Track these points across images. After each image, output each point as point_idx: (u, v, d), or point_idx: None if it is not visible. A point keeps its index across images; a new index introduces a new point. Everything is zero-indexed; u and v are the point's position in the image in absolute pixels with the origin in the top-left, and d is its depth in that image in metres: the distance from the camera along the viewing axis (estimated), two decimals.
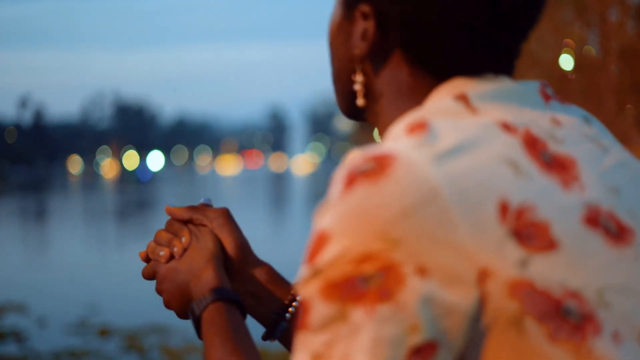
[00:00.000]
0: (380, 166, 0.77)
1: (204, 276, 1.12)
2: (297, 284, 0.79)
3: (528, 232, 0.77)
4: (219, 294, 1.11)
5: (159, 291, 1.17)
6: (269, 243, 28.75)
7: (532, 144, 0.83)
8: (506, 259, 0.76)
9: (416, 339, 0.74)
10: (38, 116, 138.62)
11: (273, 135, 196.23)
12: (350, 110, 1.00)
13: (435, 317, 0.75)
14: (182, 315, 1.16)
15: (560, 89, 18.50)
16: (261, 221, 37.37)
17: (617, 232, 0.81)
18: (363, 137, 76.23)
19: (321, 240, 0.78)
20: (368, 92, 0.94)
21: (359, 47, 0.92)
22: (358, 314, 0.74)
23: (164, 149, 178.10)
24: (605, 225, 0.81)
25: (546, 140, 0.84)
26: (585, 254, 0.78)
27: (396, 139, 0.82)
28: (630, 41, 17.05)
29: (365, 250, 0.75)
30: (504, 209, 0.77)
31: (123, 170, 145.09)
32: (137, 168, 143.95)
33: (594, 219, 0.80)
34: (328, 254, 0.77)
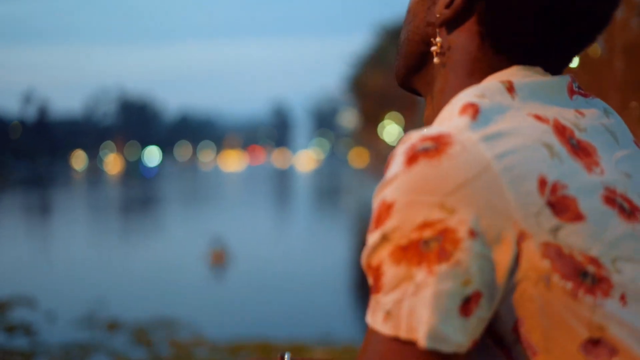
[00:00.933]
0: (438, 145, 0.89)
1: None
2: (366, 250, 0.90)
3: (561, 204, 0.89)
4: None
5: None
6: (273, 237, 28.82)
7: (562, 131, 0.95)
8: (542, 226, 0.88)
9: (467, 291, 0.87)
10: (42, 112, 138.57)
11: (277, 131, 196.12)
12: (407, 74, 1.12)
13: (483, 271, 0.87)
14: None
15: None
16: (265, 216, 37.41)
17: (630, 211, 0.94)
18: (366, 134, 76.14)
19: (387, 210, 0.89)
20: (441, 52, 1.05)
21: (443, 13, 1.03)
22: (421, 273, 0.86)
23: (168, 145, 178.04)
24: (620, 205, 0.93)
25: (572, 128, 0.97)
26: (605, 227, 0.90)
27: (451, 119, 0.93)
28: (635, 38, 17.08)
29: (426, 218, 0.87)
30: (542, 183, 0.89)
31: (127, 166, 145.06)
32: (140, 164, 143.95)
33: (611, 198, 0.93)
34: (393, 221, 0.88)
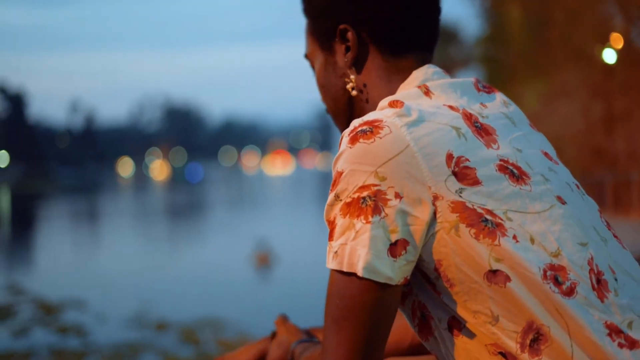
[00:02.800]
0: (373, 128, 1.21)
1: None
2: (326, 208, 1.22)
3: (463, 173, 1.20)
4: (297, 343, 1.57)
5: None
6: (317, 238, 29.12)
7: (469, 117, 1.27)
8: (449, 189, 1.19)
9: (394, 237, 1.17)
10: (88, 120, 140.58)
11: (321, 134, 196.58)
12: (348, 122, 1.42)
13: (406, 224, 1.18)
14: None
15: (603, 81, 18.54)
16: (309, 218, 37.74)
17: (518, 175, 1.24)
18: None
19: (338, 176, 1.21)
20: (357, 88, 1.41)
21: (346, 58, 1.39)
22: (360, 223, 1.18)
23: (212, 150, 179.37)
24: (511, 171, 1.24)
25: (477, 115, 1.28)
26: (497, 188, 1.21)
27: (384, 109, 1.25)
28: None
29: (364, 183, 1.19)
30: (449, 158, 1.20)
31: (172, 171, 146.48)
32: (186, 169, 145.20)
33: (504, 166, 1.24)
34: (342, 185, 1.20)
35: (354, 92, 1.40)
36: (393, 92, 1.36)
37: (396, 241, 1.17)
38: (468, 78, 1.36)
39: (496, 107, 1.34)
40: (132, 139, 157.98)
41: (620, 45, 16.81)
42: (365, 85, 1.40)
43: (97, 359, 11.33)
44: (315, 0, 1.44)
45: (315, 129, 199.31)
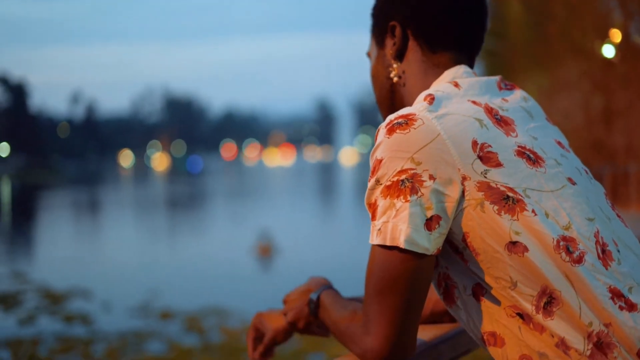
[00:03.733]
0: (407, 120, 1.41)
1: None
2: (367, 192, 1.41)
3: (486, 157, 1.39)
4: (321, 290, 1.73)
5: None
6: (318, 229, 29.27)
7: (489, 110, 1.47)
8: (476, 170, 1.38)
9: (430, 213, 1.36)
10: (89, 111, 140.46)
11: (321, 127, 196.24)
12: (390, 108, 1.66)
13: (439, 201, 1.37)
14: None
15: (603, 76, 18.68)
16: (309, 209, 37.86)
17: (534, 159, 1.44)
18: None
19: (378, 163, 1.40)
20: (398, 74, 1.63)
21: (392, 51, 1.63)
22: (399, 202, 1.37)
23: (213, 141, 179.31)
24: (528, 156, 1.43)
25: (497, 109, 1.49)
26: (516, 169, 1.40)
27: (416, 104, 1.45)
28: None
29: (402, 167, 1.37)
30: (474, 144, 1.40)
31: (173, 162, 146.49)
32: (187, 160, 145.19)
33: (521, 152, 1.43)
34: (382, 170, 1.39)
35: (395, 79, 1.63)
36: (428, 84, 1.59)
37: (431, 217, 1.35)
38: (493, 77, 1.58)
39: (516, 101, 1.54)
40: (133, 131, 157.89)
41: (619, 40, 16.95)
42: (404, 72, 1.62)
43: (103, 347, 11.54)
44: (377, 2, 1.69)
45: (315, 122, 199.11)
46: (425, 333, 1.63)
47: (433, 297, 1.84)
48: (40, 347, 11.57)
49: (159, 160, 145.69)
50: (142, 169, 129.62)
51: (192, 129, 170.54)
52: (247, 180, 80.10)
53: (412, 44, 1.61)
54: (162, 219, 37.02)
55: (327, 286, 1.74)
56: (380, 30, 1.66)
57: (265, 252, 21.17)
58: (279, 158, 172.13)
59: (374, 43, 1.69)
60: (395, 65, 1.62)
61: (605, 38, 17.57)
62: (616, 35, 16.68)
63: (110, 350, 11.32)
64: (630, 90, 18.04)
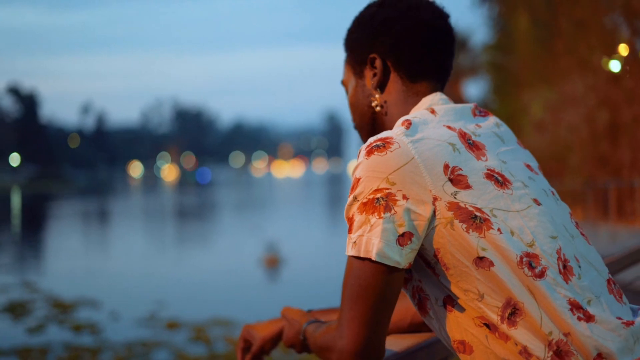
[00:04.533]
0: (385, 144, 1.52)
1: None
2: (346, 207, 1.53)
3: (457, 179, 1.50)
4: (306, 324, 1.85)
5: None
6: (324, 240, 29.37)
7: (463, 136, 1.58)
8: (446, 192, 1.49)
9: (402, 230, 1.47)
10: (99, 122, 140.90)
11: (330, 139, 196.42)
12: (371, 133, 1.78)
13: (411, 219, 1.48)
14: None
15: (609, 91, 18.77)
16: (316, 220, 37.97)
17: (502, 182, 1.54)
18: None
19: (357, 182, 1.52)
20: (380, 104, 1.75)
21: (373, 81, 1.74)
22: (374, 218, 1.47)
23: (222, 152, 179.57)
24: (496, 178, 1.54)
25: (470, 134, 1.60)
26: (485, 191, 1.51)
27: (395, 128, 1.57)
28: None
29: (378, 187, 1.49)
30: (446, 167, 1.50)
31: (182, 173, 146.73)
32: (196, 171, 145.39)
33: (490, 175, 1.54)
34: (360, 189, 1.50)
35: (378, 109, 1.74)
36: (408, 110, 1.70)
37: (403, 233, 1.46)
38: (468, 104, 1.70)
39: (489, 127, 1.67)
40: (142, 141, 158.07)
41: (625, 55, 17.05)
42: (386, 102, 1.74)
43: (110, 356, 11.66)
44: (355, 34, 1.79)
45: (324, 134, 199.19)
46: (404, 341, 1.75)
47: (412, 309, 1.94)
48: (48, 356, 11.69)
49: (168, 171, 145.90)
50: (151, 179, 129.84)
51: (201, 140, 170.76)
52: (255, 192, 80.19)
53: (392, 75, 1.73)
54: (170, 229, 37.10)
55: (310, 321, 1.86)
56: (358, 61, 1.78)
57: (272, 263, 21.29)
58: (287, 169, 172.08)
59: (351, 73, 1.81)
60: (377, 96, 1.74)
61: (611, 53, 17.66)
62: (623, 50, 16.77)
63: (118, 359, 11.42)
64: (636, 106, 18.13)
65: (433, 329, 1.60)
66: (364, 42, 1.76)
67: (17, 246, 29.94)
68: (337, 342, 1.49)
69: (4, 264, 23.41)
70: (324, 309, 2.03)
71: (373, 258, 1.46)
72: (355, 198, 1.51)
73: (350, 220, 1.51)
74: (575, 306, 1.45)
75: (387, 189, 1.48)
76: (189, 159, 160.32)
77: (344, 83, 1.86)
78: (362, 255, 1.47)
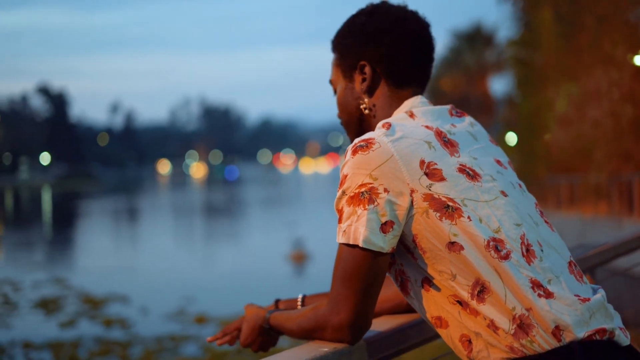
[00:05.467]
0: (367, 144, 1.72)
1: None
2: (335, 200, 1.73)
3: (432, 173, 1.70)
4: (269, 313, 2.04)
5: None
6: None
7: (439, 134, 1.78)
8: (422, 185, 1.69)
9: (384, 219, 1.67)
10: (128, 120, 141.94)
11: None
12: (358, 133, 1.97)
13: (392, 209, 1.68)
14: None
15: (633, 86, 18.77)
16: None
17: (473, 175, 1.74)
18: None
19: (344, 178, 1.72)
20: (368, 107, 1.94)
21: (362, 86, 1.94)
22: (360, 209, 1.68)
23: (249, 149, 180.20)
24: (468, 172, 1.74)
25: (446, 133, 1.80)
26: (457, 184, 1.71)
27: (376, 130, 1.76)
28: None
29: (362, 182, 1.69)
30: (422, 163, 1.70)
31: (210, 169, 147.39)
32: (224, 168, 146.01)
33: (462, 169, 1.74)
34: (347, 184, 1.71)
35: (366, 111, 1.92)
36: (392, 114, 1.89)
37: (385, 222, 1.67)
38: (445, 106, 1.90)
39: (463, 127, 1.86)
40: (171, 139, 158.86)
41: None
42: (374, 106, 1.92)
43: (140, 349, 11.95)
44: (345, 40, 1.95)
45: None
46: (396, 320, 1.95)
47: None
48: (80, 350, 12.00)
49: (197, 168, 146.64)
50: (180, 176, 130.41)
51: (229, 138, 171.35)
52: (282, 188, 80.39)
53: (381, 82, 1.91)
54: (198, 226, 37.35)
55: (271, 310, 2.05)
56: (348, 65, 1.95)
57: (299, 259, 21.54)
58: (314, 166, 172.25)
59: (340, 75, 1.98)
60: (366, 100, 1.92)
61: (635, 48, 17.69)
62: None
63: (147, 353, 11.69)
64: None
65: (414, 307, 1.81)
66: (354, 49, 1.93)
67: (47, 244, 30.36)
68: (331, 318, 1.70)
69: (35, 262, 23.89)
70: (284, 300, 2.25)
71: (360, 245, 1.66)
72: (343, 192, 1.71)
73: (340, 212, 1.71)
74: (536, 284, 1.65)
75: (371, 183, 1.68)
76: (217, 157, 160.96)
77: (332, 82, 2.03)
78: (351, 242, 1.68)
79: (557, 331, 1.63)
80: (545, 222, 1.82)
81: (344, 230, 1.69)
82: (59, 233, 35.25)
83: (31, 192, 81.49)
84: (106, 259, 23.94)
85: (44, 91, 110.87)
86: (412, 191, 1.68)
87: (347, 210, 1.70)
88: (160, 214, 45.50)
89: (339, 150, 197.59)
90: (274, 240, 27.38)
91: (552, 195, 24.21)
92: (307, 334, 1.80)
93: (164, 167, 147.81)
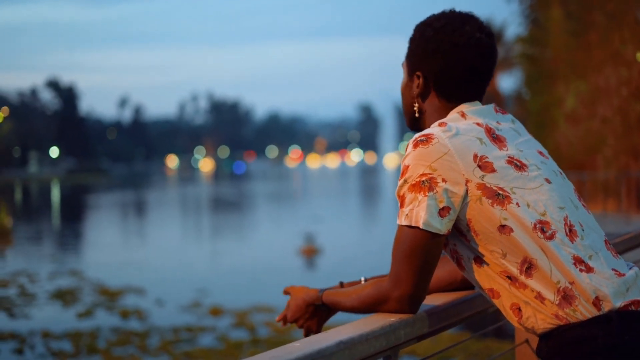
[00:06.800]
0: (427, 139, 1.95)
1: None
2: (398, 188, 1.96)
3: (484, 165, 1.93)
4: (321, 291, 2.30)
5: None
6: (360, 229, 29.71)
7: (489, 131, 2.02)
8: (475, 175, 1.92)
9: (441, 205, 1.91)
10: (137, 114, 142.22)
11: (365, 131, 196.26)
12: (411, 124, 2.23)
13: (449, 197, 1.92)
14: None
15: None
16: (349, 209, 38.29)
17: (520, 166, 1.98)
18: None
19: (406, 168, 1.94)
20: (420, 111, 2.17)
21: (416, 91, 2.16)
22: (421, 196, 1.91)
23: (257, 144, 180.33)
24: (515, 164, 1.97)
25: (494, 129, 2.04)
26: (506, 174, 1.94)
27: (434, 127, 2.00)
28: None
29: (422, 172, 1.92)
30: (475, 157, 1.94)
31: (218, 164, 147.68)
32: (231, 162, 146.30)
33: (510, 161, 1.97)
34: (409, 174, 1.94)
35: (417, 114, 2.15)
36: (442, 118, 2.09)
37: (443, 207, 1.90)
38: (489, 105, 2.12)
39: (507, 123, 2.09)
40: (179, 133, 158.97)
41: None
42: (425, 111, 2.14)
43: (157, 340, 12.18)
44: (412, 46, 2.15)
45: (359, 126, 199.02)
46: (450, 296, 2.23)
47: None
48: (98, 339, 12.24)
49: (205, 163, 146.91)
50: (188, 170, 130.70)
51: (237, 132, 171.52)
52: (290, 183, 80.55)
53: (432, 93, 2.12)
54: (209, 219, 37.46)
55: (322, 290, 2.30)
56: (410, 67, 2.15)
57: (310, 253, 21.80)
58: (322, 161, 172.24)
59: (406, 67, 2.18)
60: (418, 103, 2.15)
61: None
62: None
63: (164, 343, 11.93)
64: None
65: (471, 280, 2.06)
66: (415, 58, 2.14)
67: (58, 237, 30.60)
68: (393, 291, 1.95)
69: (47, 254, 24.16)
70: (347, 282, 2.48)
71: (420, 226, 1.91)
72: (405, 181, 1.94)
73: (402, 198, 1.95)
74: (578, 261, 1.90)
75: (430, 174, 1.91)
76: (224, 152, 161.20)
77: (402, 66, 2.24)
78: (412, 224, 1.92)
79: (597, 301, 1.88)
80: (583, 205, 2.06)
81: (406, 214, 1.93)
82: (68, 226, 35.48)
83: (40, 186, 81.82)
84: (118, 252, 24.14)
85: (54, 85, 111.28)
86: (467, 181, 1.92)
87: (408, 196, 1.93)
88: (169, 208, 45.71)
89: (347, 145, 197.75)
90: (285, 234, 27.59)
91: None
92: (368, 308, 2.03)
93: (172, 161, 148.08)
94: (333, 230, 28.39)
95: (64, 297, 15.86)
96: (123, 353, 11.46)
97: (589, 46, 20.75)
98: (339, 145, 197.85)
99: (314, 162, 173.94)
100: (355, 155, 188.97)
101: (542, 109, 24.50)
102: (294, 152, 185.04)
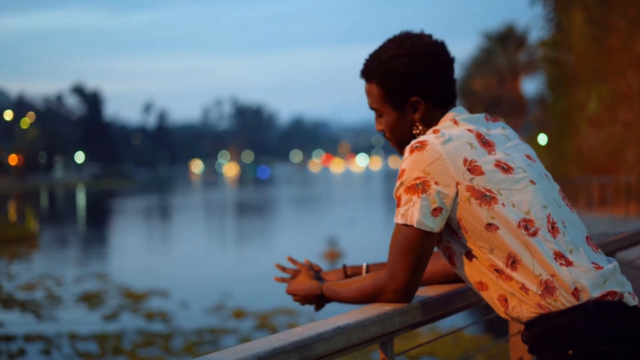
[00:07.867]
0: (422, 145, 2.14)
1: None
2: (395, 189, 2.15)
3: (473, 169, 2.12)
4: (322, 282, 2.51)
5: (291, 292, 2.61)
6: (381, 231, 29.81)
7: (479, 136, 2.20)
8: (465, 178, 2.11)
9: (434, 206, 2.10)
10: (161, 120, 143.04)
11: (384, 138, 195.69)
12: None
13: (440, 198, 2.11)
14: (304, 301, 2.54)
15: None
16: (375, 212, 38.35)
17: (507, 169, 2.15)
18: None
19: (402, 172, 2.14)
20: (419, 129, 2.36)
21: (417, 115, 2.34)
22: (415, 197, 2.11)
23: (281, 149, 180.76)
24: (502, 167, 2.15)
25: (484, 135, 2.22)
26: (494, 176, 2.12)
27: (427, 135, 2.18)
28: None
29: (417, 176, 2.11)
30: (465, 161, 2.12)
31: (242, 169, 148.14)
32: (256, 167, 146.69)
33: (498, 164, 2.14)
34: (405, 177, 2.13)
35: (417, 132, 2.33)
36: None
37: (435, 208, 2.08)
38: (480, 114, 2.33)
39: (498, 130, 2.28)
40: (203, 138, 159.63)
41: None
42: (423, 126, 2.34)
43: (181, 342, 12.38)
44: (393, 82, 2.32)
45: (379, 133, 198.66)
46: (443, 288, 2.41)
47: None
48: (124, 341, 12.46)
49: (229, 168, 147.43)
50: (212, 175, 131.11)
51: (261, 137, 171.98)
52: (314, 187, 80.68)
53: (428, 108, 2.33)
54: (233, 223, 37.61)
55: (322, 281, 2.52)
56: (398, 101, 2.34)
57: (332, 257, 21.97)
58: (346, 166, 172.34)
59: (388, 106, 2.36)
60: (420, 127, 2.33)
61: None
62: None
63: (188, 345, 12.12)
64: None
65: (460, 275, 2.24)
66: (404, 90, 2.32)
67: (83, 241, 30.91)
68: (390, 284, 2.15)
69: (73, 258, 24.47)
70: (350, 266, 2.71)
71: (415, 225, 2.10)
72: (402, 183, 2.13)
73: (399, 199, 2.14)
74: (558, 255, 2.07)
75: (424, 177, 2.10)
76: (249, 156, 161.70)
77: (373, 108, 2.44)
78: (407, 223, 2.11)
79: (576, 292, 2.05)
80: (567, 205, 2.24)
81: (402, 214, 2.12)
82: (94, 230, 35.79)
83: (66, 191, 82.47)
84: (142, 256, 24.40)
85: (79, 91, 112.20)
86: (457, 184, 2.10)
87: (404, 197, 2.12)
88: (194, 212, 45.90)
89: (370, 150, 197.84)
90: (310, 238, 27.75)
91: (583, 196, 24.37)
92: (366, 298, 2.23)
93: (197, 166, 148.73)
94: (356, 234, 28.51)
95: (90, 300, 16.12)
96: (147, 354, 11.65)
97: (611, 51, 20.78)
98: (363, 149, 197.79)
99: (337, 166, 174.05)
100: (378, 160, 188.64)
101: (564, 113, 24.52)
102: (321, 156, 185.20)
